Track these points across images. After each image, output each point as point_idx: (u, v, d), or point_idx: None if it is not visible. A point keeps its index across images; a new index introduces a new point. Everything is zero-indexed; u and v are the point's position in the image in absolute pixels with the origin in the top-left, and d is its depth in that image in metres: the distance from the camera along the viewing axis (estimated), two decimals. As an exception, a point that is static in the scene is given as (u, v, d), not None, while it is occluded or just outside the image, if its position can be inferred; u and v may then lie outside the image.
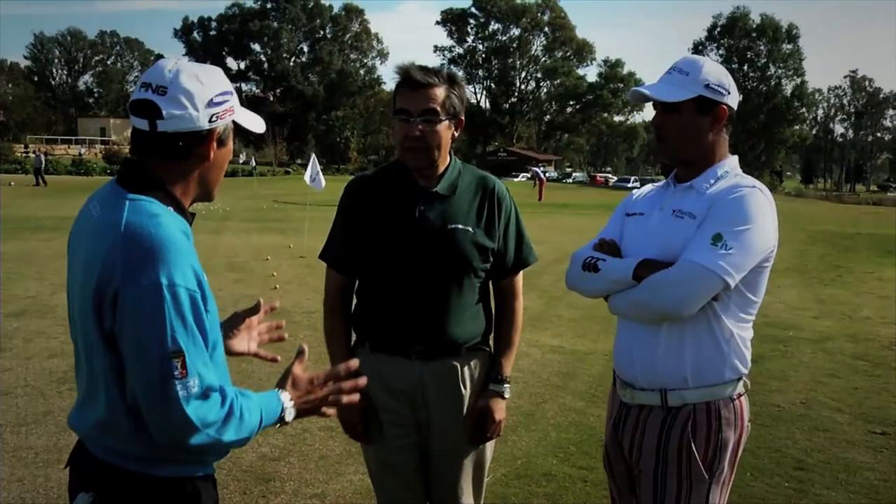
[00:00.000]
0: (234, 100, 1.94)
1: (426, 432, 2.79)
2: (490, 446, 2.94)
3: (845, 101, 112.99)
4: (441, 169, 2.74)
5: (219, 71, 1.96)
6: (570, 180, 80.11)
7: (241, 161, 65.28)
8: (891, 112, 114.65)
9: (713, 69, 2.43)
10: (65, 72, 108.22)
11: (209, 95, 1.85)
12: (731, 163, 2.50)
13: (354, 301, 2.89)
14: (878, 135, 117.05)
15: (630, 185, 69.17)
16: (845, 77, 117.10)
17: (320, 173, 15.60)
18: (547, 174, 57.59)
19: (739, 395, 2.45)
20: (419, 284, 2.70)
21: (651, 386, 2.44)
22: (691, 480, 2.39)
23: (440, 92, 2.61)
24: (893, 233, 24.00)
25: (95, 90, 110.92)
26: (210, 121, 1.87)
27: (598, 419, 5.85)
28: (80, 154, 67.02)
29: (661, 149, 2.53)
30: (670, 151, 2.51)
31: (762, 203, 2.36)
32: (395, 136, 2.69)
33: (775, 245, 2.39)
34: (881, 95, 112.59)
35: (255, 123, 2.05)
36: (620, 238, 2.61)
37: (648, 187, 2.75)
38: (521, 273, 2.93)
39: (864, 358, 7.96)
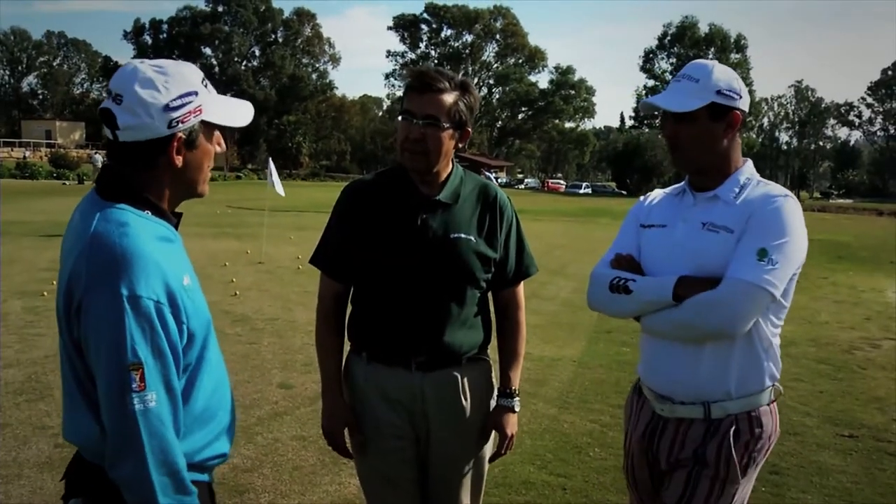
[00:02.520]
0: (202, 98, 1.84)
1: (425, 444, 2.73)
2: (487, 458, 2.89)
3: (790, 110, 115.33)
4: (443, 176, 2.68)
5: (185, 69, 1.86)
6: (522, 186, 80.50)
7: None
8: (832, 122, 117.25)
9: (723, 73, 2.40)
10: (7, 72, 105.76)
11: (165, 101, 1.77)
12: (749, 169, 2.48)
13: (349, 309, 2.81)
14: (821, 143, 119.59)
15: (582, 191, 69.88)
16: (790, 86, 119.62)
17: (278, 179, 15.50)
18: (499, 180, 57.85)
19: (773, 400, 2.46)
20: (420, 293, 2.63)
21: (693, 400, 2.41)
22: (725, 483, 2.37)
23: (448, 98, 2.55)
24: (843, 239, 24.58)
25: (40, 92, 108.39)
26: (170, 126, 1.78)
27: (571, 426, 5.84)
28: (24, 157, 65.41)
29: (676, 159, 2.48)
30: (686, 161, 2.47)
31: (797, 211, 2.35)
32: (398, 136, 2.62)
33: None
34: (823, 105, 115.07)
35: (235, 117, 1.95)
36: (638, 252, 2.56)
37: (659, 194, 2.70)
38: (522, 284, 2.88)
39: (827, 362, 8.11)
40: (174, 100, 1.78)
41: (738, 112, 2.40)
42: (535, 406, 6.28)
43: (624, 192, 67.10)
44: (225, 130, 1.99)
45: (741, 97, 2.40)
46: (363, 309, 2.76)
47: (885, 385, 7.20)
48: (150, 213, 1.82)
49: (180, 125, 1.80)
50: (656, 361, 2.52)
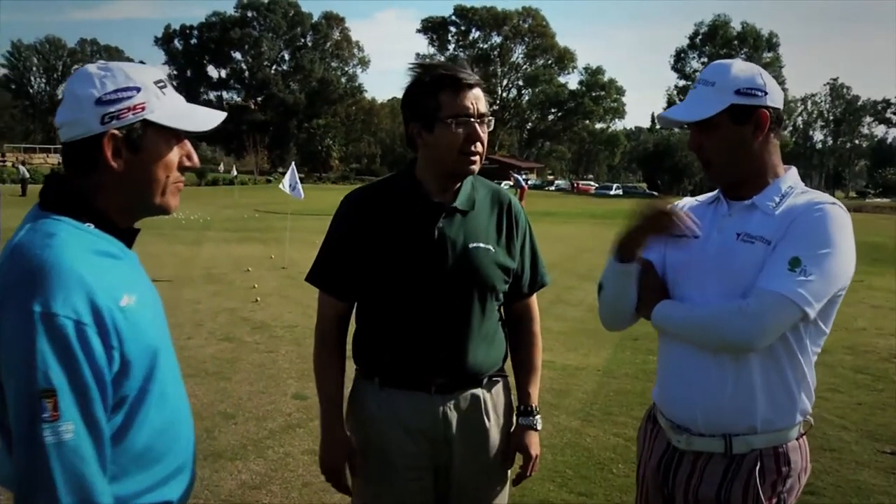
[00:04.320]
0: (146, 96, 1.66)
1: (445, 473, 2.50)
2: (510, 481, 2.68)
3: (824, 109, 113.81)
4: (458, 181, 2.46)
5: (135, 68, 1.69)
6: (553, 188, 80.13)
7: (221, 170, 64.95)
8: (868, 119, 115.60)
9: (742, 70, 2.15)
10: (43, 80, 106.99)
11: (97, 94, 1.61)
12: (792, 177, 2.22)
13: (352, 329, 2.58)
14: (856, 142, 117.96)
15: (612, 192, 69.32)
16: (825, 84, 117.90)
17: (299, 182, 15.29)
18: (529, 181, 57.51)
19: (803, 434, 2.20)
20: (439, 310, 2.41)
21: (713, 432, 2.16)
22: None
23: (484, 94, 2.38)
24: (879, 240, 23.97)
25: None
26: (103, 122, 1.61)
27: (594, 440, 5.59)
28: (58, 163, 66.20)
29: (709, 174, 2.24)
30: (718, 175, 2.22)
31: (845, 223, 2.08)
32: (448, 140, 2.33)
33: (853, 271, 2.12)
34: (859, 103, 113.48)
35: (190, 121, 1.74)
36: (662, 264, 2.32)
37: (690, 202, 2.45)
38: (535, 294, 2.68)
39: (865, 371, 7.75)
40: (108, 94, 1.62)
41: (767, 110, 2.13)
42: (557, 419, 6.03)
43: (655, 193, 66.29)
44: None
45: (767, 93, 2.14)
46: (373, 329, 2.52)
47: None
48: (92, 227, 1.64)
49: (114, 121, 1.62)
50: (674, 386, 2.27)
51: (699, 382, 2.16)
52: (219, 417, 5.88)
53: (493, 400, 2.53)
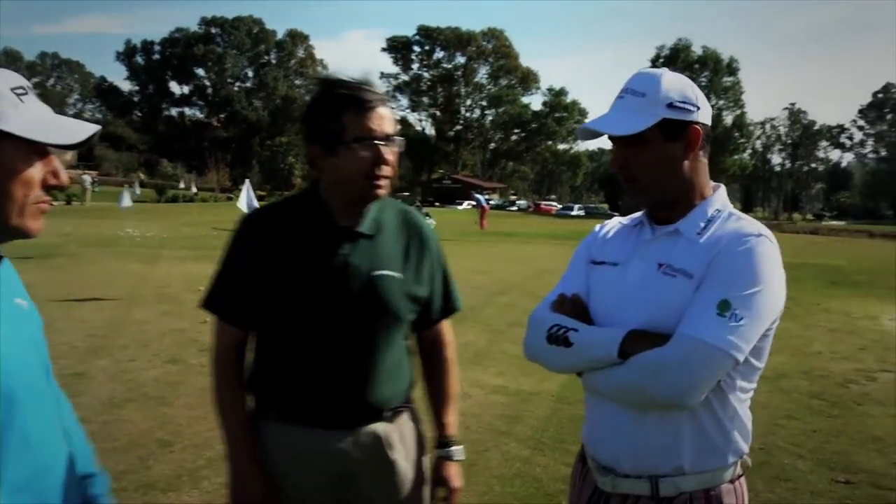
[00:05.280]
0: (1, 102, 1.46)
1: None
2: None
3: (782, 133, 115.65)
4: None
5: None
6: (515, 207, 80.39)
7: (181, 187, 64.36)
8: (824, 143, 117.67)
9: (674, 82, 1.98)
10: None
11: None
12: (720, 198, 2.05)
13: (250, 361, 2.40)
14: (813, 165, 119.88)
15: (574, 213, 69.58)
16: (784, 109, 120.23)
17: (255, 200, 15.02)
18: (491, 201, 57.54)
19: (740, 476, 2.01)
20: (341, 341, 2.25)
21: (638, 472, 1.97)
22: None
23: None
24: (836, 263, 24.19)
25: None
26: None
27: (544, 470, 5.40)
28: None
29: (631, 191, 2.04)
30: (642, 193, 2.03)
31: (772, 255, 1.90)
32: (353, 164, 2.18)
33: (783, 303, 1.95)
34: (815, 127, 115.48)
35: (53, 133, 1.52)
36: (587, 293, 2.12)
37: (614, 224, 2.26)
38: (448, 321, 2.54)
39: (821, 397, 7.62)
40: None
41: (697, 126, 1.97)
42: (507, 447, 5.84)
43: (616, 214, 66.21)
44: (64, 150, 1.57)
45: (699, 108, 1.97)
46: (270, 360, 2.34)
47: (884, 423, 6.71)
48: None
49: None
50: (598, 425, 2.08)
51: (622, 420, 1.98)
52: (155, 445, 5.61)
53: (399, 432, 2.38)
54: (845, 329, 11.89)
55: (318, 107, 2.23)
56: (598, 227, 2.30)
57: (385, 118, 2.19)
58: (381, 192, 2.23)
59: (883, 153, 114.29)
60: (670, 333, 1.85)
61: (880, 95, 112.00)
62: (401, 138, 2.25)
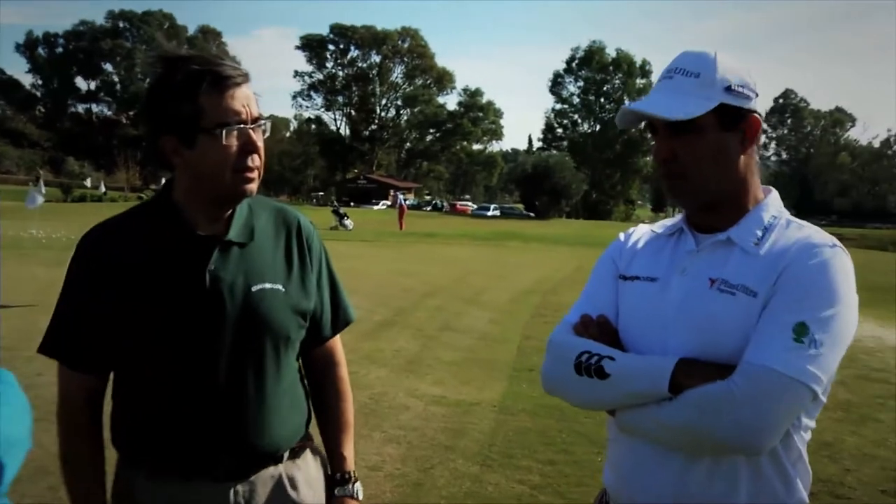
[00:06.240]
0: None
1: None
2: None
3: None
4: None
5: None
6: (429, 207, 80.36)
7: (88, 186, 62.14)
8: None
9: (732, 64, 1.69)
10: None
11: None
12: (774, 202, 1.76)
13: (109, 408, 1.97)
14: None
15: (490, 213, 69.79)
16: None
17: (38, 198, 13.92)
18: (407, 201, 57.31)
19: None
20: (219, 374, 1.85)
21: None
22: None
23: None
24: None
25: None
26: None
27: (496, 488, 5.10)
28: None
29: (676, 190, 1.74)
30: (694, 193, 1.72)
31: (849, 270, 1.62)
32: (216, 155, 1.79)
33: None
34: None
35: None
36: (615, 314, 1.81)
37: (644, 232, 1.94)
38: (339, 335, 2.18)
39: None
40: None
41: (757, 116, 1.69)
42: (453, 464, 5.51)
43: (532, 215, 67.18)
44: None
45: (757, 94, 1.69)
46: (136, 405, 1.92)
47: (832, 428, 6.58)
48: None
49: None
50: (634, 470, 1.75)
51: (668, 465, 1.66)
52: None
53: (303, 473, 2.02)
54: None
55: (165, 89, 1.82)
56: (622, 235, 1.97)
57: (250, 98, 1.83)
58: (251, 186, 1.86)
59: (784, 156, 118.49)
60: (728, 363, 1.56)
61: (780, 101, 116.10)
62: (267, 120, 1.88)
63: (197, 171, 1.82)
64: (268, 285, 1.89)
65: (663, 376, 1.58)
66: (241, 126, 1.79)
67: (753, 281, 1.61)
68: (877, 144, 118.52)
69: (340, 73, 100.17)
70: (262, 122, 1.85)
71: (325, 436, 2.14)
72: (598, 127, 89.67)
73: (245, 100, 1.80)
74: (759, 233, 1.68)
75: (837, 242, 1.65)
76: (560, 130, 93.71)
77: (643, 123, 1.77)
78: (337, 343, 2.18)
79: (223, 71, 1.78)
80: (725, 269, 1.66)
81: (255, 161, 1.83)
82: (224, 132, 1.76)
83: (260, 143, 1.84)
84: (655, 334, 1.69)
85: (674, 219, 1.88)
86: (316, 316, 2.05)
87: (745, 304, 1.60)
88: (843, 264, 1.61)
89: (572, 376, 1.70)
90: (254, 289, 1.87)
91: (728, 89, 1.65)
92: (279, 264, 1.95)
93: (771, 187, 1.79)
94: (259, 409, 1.89)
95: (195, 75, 1.77)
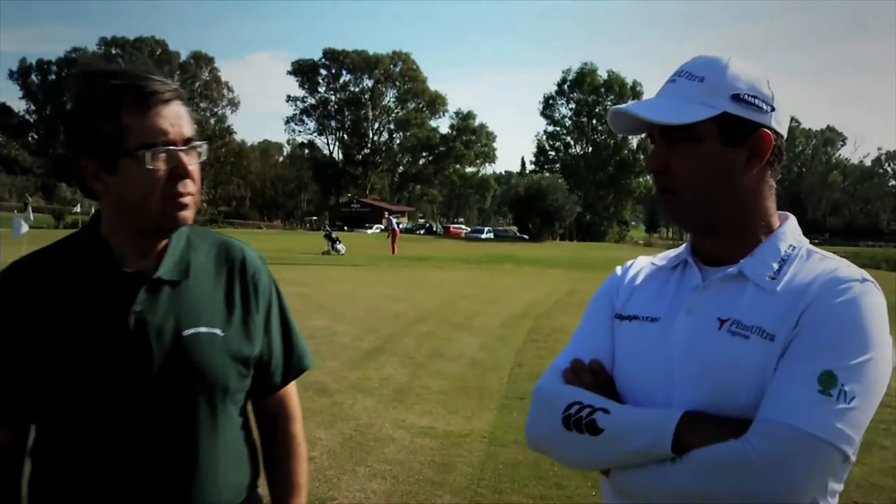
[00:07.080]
0: None
1: None
2: None
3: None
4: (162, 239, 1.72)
5: None
6: (423, 231, 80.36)
7: (78, 211, 61.85)
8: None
9: (744, 69, 1.46)
10: None
11: None
12: (792, 230, 1.53)
13: (28, 469, 1.75)
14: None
15: (484, 235, 69.68)
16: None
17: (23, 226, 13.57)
18: (400, 225, 57.17)
19: None
20: (149, 432, 1.63)
21: None
22: None
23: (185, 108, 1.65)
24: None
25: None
26: None
27: (485, 527, 4.84)
28: None
29: (669, 206, 1.51)
30: (685, 212, 1.51)
31: (882, 309, 1.39)
32: (142, 181, 1.58)
33: None
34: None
35: None
36: (611, 358, 1.58)
37: (644, 264, 1.71)
38: (293, 384, 1.95)
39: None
40: None
41: (768, 132, 1.46)
42: (440, 500, 5.25)
43: (526, 237, 67.03)
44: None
45: (773, 109, 1.46)
46: (56, 467, 1.69)
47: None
48: None
49: None
50: None
51: None
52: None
53: None
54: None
55: (84, 106, 1.63)
56: (619, 268, 1.73)
57: (181, 117, 1.63)
58: (185, 214, 1.65)
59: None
60: (742, 418, 1.34)
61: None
62: (204, 143, 1.67)
63: (121, 199, 1.62)
64: (203, 329, 1.68)
65: (666, 433, 1.35)
66: (169, 148, 1.57)
67: (770, 322, 1.39)
68: (868, 163, 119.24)
69: (333, 98, 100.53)
70: (196, 143, 1.64)
71: (274, 498, 1.91)
72: (590, 148, 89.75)
73: (174, 118, 1.60)
74: (776, 265, 1.46)
75: (868, 276, 1.42)
76: (552, 153, 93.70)
77: (644, 135, 1.55)
78: (289, 393, 1.95)
79: (148, 86, 1.58)
80: (737, 308, 1.44)
81: (188, 187, 1.62)
82: (148, 154, 1.55)
83: (193, 168, 1.63)
84: (657, 383, 1.48)
85: (677, 249, 1.65)
86: (263, 362, 1.82)
87: (760, 349, 1.37)
88: (875, 302, 1.39)
89: (560, 431, 1.47)
90: (185, 333, 1.65)
91: (735, 97, 1.43)
92: (218, 305, 1.74)
93: (788, 213, 1.57)
94: (195, 470, 1.67)
95: (116, 91, 1.57)
